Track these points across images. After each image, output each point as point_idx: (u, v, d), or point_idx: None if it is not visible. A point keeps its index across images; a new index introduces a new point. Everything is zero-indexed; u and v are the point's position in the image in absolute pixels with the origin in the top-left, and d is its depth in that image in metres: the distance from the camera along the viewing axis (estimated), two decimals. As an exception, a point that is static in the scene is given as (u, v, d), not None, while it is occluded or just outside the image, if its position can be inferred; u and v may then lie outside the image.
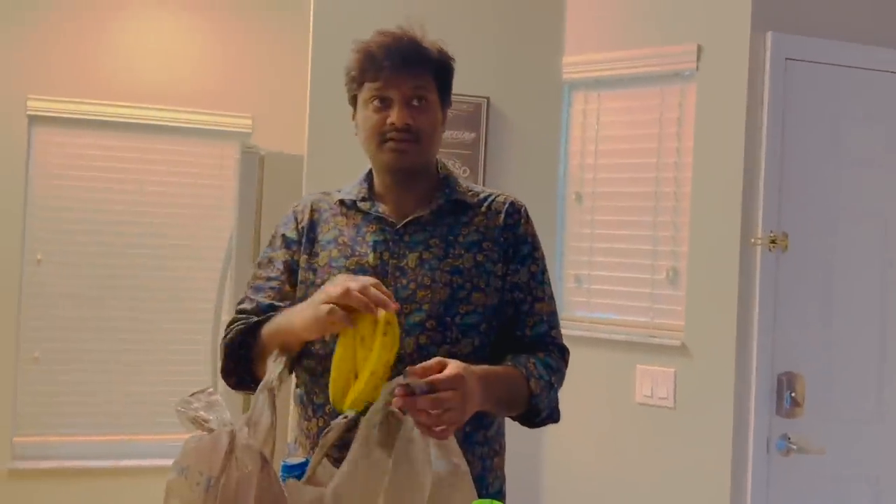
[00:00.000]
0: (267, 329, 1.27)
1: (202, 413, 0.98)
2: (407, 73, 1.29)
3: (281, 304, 1.33)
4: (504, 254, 1.35)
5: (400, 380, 1.02)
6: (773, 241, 2.17)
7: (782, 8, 2.19)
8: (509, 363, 1.28)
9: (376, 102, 1.30)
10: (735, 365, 2.16)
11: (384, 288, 1.13)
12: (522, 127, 2.50)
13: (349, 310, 1.09)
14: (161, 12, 3.51)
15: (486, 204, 1.38)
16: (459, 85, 2.44)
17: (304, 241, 1.38)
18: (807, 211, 2.21)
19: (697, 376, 2.23)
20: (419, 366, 1.06)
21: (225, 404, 1.01)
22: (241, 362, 1.31)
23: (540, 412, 1.31)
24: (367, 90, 1.31)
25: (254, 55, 3.57)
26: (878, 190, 2.27)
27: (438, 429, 1.04)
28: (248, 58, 3.57)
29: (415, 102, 1.30)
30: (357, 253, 1.32)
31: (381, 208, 1.35)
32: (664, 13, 2.33)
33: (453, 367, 1.08)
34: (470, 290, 1.30)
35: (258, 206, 2.47)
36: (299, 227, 1.39)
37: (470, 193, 1.39)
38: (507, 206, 1.38)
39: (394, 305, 1.09)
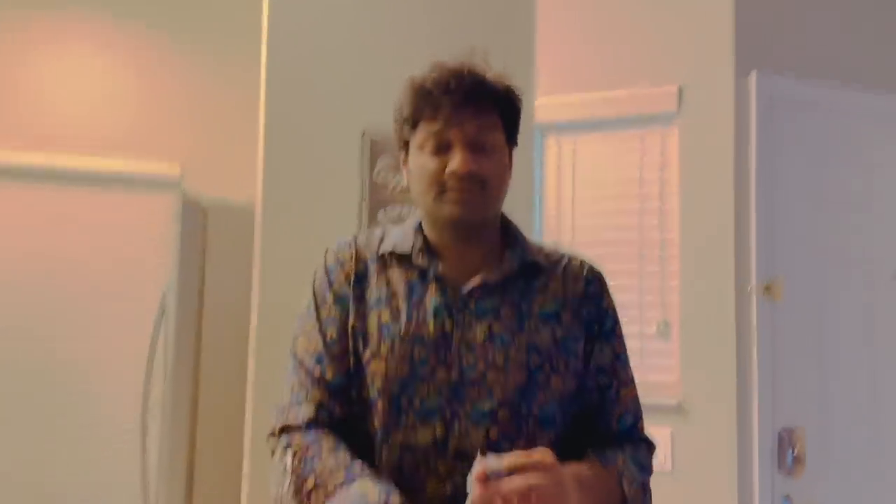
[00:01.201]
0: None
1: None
2: (470, 112, 1.08)
3: (348, 382, 1.11)
4: (586, 329, 1.15)
5: (480, 463, 0.85)
6: (767, 289, 2.09)
7: (766, 47, 2.16)
8: (595, 459, 1.08)
9: (433, 146, 1.09)
10: (736, 423, 2.05)
11: None
12: (495, 172, 2.35)
13: None
14: (76, 52, 3.21)
15: (561, 267, 1.18)
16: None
17: (353, 296, 1.14)
18: (797, 256, 2.16)
19: (696, 437, 2.11)
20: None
21: None
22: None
23: None
24: (421, 132, 1.10)
25: (181, 98, 3.30)
26: (866, 230, 2.25)
27: None
28: (174, 101, 3.30)
29: (479, 145, 1.09)
30: (413, 318, 1.10)
31: (441, 267, 1.13)
32: (641, 53, 2.26)
33: (541, 450, 0.92)
34: (549, 374, 1.10)
35: (201, 261, 2.20)
36: (349, 279, 1.15)
37: (543, 254, 1.19)
38: (586, 271, 1.19)
39: None
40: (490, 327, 1.09)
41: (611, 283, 2.33)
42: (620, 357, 1.18)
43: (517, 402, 1.06)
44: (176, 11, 3.32)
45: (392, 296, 1.12)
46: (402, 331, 1.09)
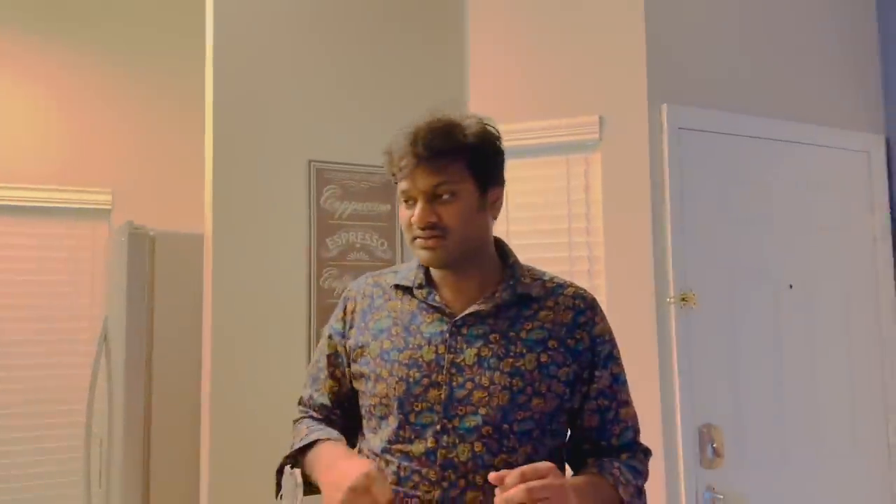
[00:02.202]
0: (309, 460, 1.24)
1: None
2: (428, 169, 1.21)
3: (331, 406, 1.34)
4: (578, 357, 1.26)
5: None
6: (683, 299, 2.28)
7: (675, 82, 2.36)
8: (594, 469, 1.21)
9: (405, 201, 1.26)
10: (661, 422, 2.22)
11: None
12: (433, 197, 2.48)
13: None
14: (4, 83, 3.15)
15: (553, 297, 1.29)
16: (373, 157, 2.40)
17: (351, 332, 1.33)
18: (708, 269, 2.35)
19: (626, 436, 2.26)
20: (500, 472, 1.02)
21: None
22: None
23: None
24: (399, 188, 1.27)
25: (111, 126, 3.29)
26: (766, 245, 2.47)
27: None
28: (104, 129, 3.29)
29: (438, 197, 1.22)
30: (411, 345, 1.24)
31: (438, 297, 1.27)
32: (566, 86, 2.43)
33: (546, 464, 1.04)
34: (530, 395, 1.21)
35: (150, 292, 2.23)
36: (347, 317, 1.35)
37: (536, 284, 1.30)
38: (577, 301, 1.29)
39: None
40: (479, 352, 1.21)
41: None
42: (618, 378, 1.31)
43: (499, 419, 1.18)
44: (129, 43, 3.31)
45: (394, 324, 1.27)
46: (401, 356, 1.22)
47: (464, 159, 1.24)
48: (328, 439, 1.24)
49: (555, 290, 1.31)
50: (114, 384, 2.45)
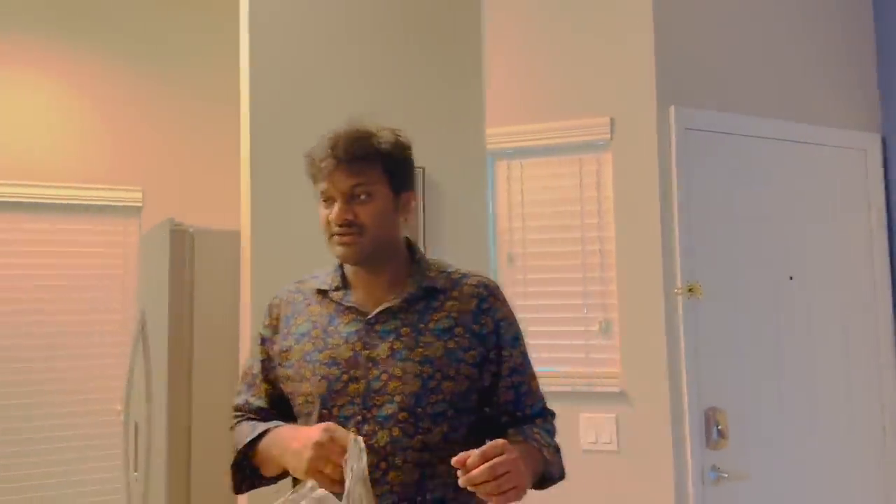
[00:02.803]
0: (265, 446, 1.33)
1: (315, 511, 0.96)
2: (347, 171, 1.32)
3: (267, 406, 1.42)
4: (484, 340, 1.36)
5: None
6: (690, 290, 2.42)
7: (682, 84, 2.50)
8: (519, 438, 1.34)
9: (323, 201, 1.36)
10: (669, 405, 2.37)
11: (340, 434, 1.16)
12: (453, 194, 2.61)
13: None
14: (34, 80, 3.28)
15: (457, 288, 1.39)
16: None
17: (277, 337, 1.42)
18: (713, 262, 2.50)
19: (637, 420, 2.41)
20: (460, 455, 1.12)
21: (327, 496, 0.99)
22: (247, 470, 1.37)
23: (554, 477, 1.40)
24: (317, 189, 1.37)
25: (141, 126, 3.43)
26: (768, 239, 2.61)
27: (506, 495, 1.11)
28: (134, 129, 3.43)
29: (355, 197, 1.33)
30: (330, 345, 1.34)
31: (353, 297, 1.38)
32: (579, 88, 2.57)
33: (498, 441, 1.14)
34: (440, 380, 1.31)
35: (190, 289, 2.37)
36: (273, 323, 1.44)
37: (441, 276, 1.40)
38: (479, 289, 1.40)
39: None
40: (392, 345, 1.32)
41: (557, 288, 2.64)
42: (526, 355, 1.46)
43: (413, 404, 1.29)
44: (145, 46, 3.44)
45: (314, 327, 1.37)
46: (321, 356, 1.34)
47: (380, 164, 1.35)
48: (277, 426, 1.34)
49: (459, 280, 1.41)
50: (151, 374, 2.57)
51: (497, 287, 1.44)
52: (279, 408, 1.42)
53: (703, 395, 2.42)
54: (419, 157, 2.53)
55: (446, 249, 2.58)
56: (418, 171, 2.52)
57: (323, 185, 1.34)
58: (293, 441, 1.21)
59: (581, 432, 2.45)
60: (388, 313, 1.35)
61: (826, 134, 2.76)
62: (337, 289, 1.39)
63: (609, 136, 2.51)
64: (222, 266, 2.35)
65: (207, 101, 3.32)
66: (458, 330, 1.35)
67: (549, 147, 2.59)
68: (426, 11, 2.65)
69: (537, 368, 2.55)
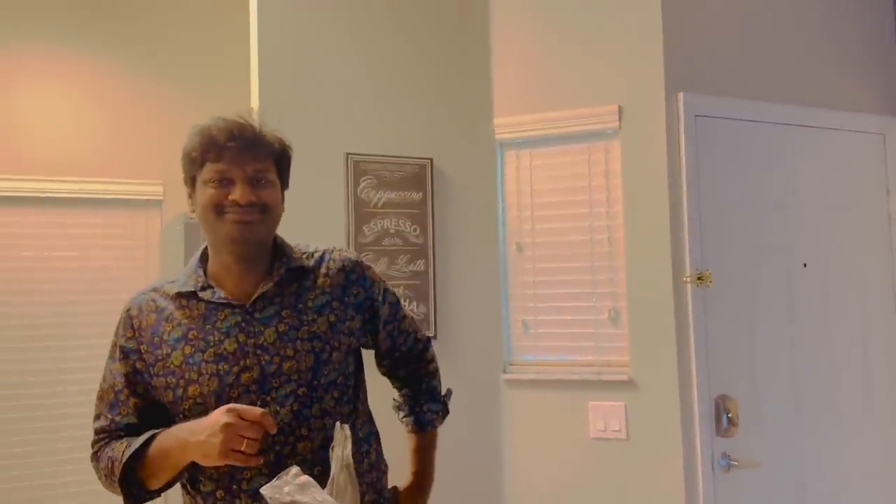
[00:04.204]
0: (156, 452, 1.29)
1: (298, 496, 1.00)
2: (252, 156, 1.35)
3: (137, 421, 1.36)
4: (360, 308, 1.47)
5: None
6: (699, 278, 2.41)
7: (691, 71, 2.48)
8: (416, 430, 1.65)
9: (216, 182, 1.34)
10: (679, 393, 2.36)
11: (253, 412, 1.19)
12: (462, 184, 2.64)
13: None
14: (58, 81, 3.38)
15: (324, 264, 1.46)
16: (406, 148, 2.58)
17: (144, 347, 1.37)
18: (724, 249, 2.48)
19: (646, 407, 2.41)
20: None
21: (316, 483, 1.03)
22: (132, 483, 1.33)
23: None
24: (207, 171, 1.35)
25: (161, 123, 3.50)
26: (781, 226, 2.58)
27: None
28: (153, 124, 3.50)
29: (258, 180, 1.35)
30: (212, 343, 1.34)
31: (223, 293, 1.37)
32: (587, 77, 2.56)
33: None
34: (330, 352, 1.39)
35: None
36: (135, 334, 1.38)
37: (305, 256, 1.46)
38: (345, 263, 1.49)
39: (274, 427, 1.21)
40: (277, 328, 1.36)
41: (566, 277, 2.65)
42: (394, 305, 1.59)
43: (311, 379, 1.35)
44: (162, 47, 3.52)
45: (189, 330, 1.35)
46: (205, 356, 1.33)
47: (273, 158, 1.40)
48: (159, 432, 1.31)
49: (323, 257, 1.48)
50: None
51: (360, 258, 1.55)
52: (148, 422, 1.36)
53: (714, 383, 2.41)
54: (426, 149, 2.59)
55: (456, 239, 2.61)
56: (425, 163, 2.57)
57: (220, 167, 1.33)
58: (195, 434, 1.22)
59: (590, 420, 2.47)
60: (265, 300, 1.37)
61: (842, 118, 2.72)
62: (203, 288, 1.37)
63: (617, 124, 2.50)
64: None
65: (225, 101, 3.37)
66: (334, 304, 1.43)
67: (557, 136, 2.59)
68: (434, 2, 2.66)
69: (545, 356, 2.58)
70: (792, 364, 2.56)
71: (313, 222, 2.38)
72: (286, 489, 1.01)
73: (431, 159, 2.55)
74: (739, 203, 2.52)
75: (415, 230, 2.49)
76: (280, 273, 1.39)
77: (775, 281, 2.56)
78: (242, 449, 1.16)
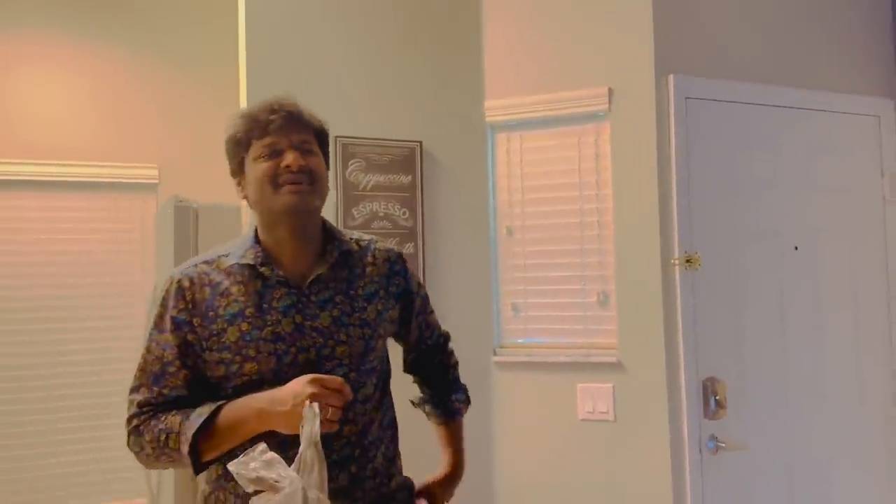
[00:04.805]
0: (227, 422, 1.28)
1: (264, 472, 1.01)
2: (297, 126, 1.39)
3: (187, 393, 1.34)
4: (400, 298, 1.55)
5: None
6: (688, 261, 2.41)
7: (681, 53, 2.46)
8: (444, 420, 1.71)
9: (267, 154, 1.36)
10: (666, 375, 2.37)
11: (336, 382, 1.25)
12: (452, 168, 2.64)
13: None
14: (56, 65, 3.39)
15: (369, 253, 1.52)
16: (395, 131, 2.58)
17: (198, 320, 1.35)
18: (713, 231, 2.47)
19: (634, 389, 2.42)
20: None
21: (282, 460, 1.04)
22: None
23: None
24: (255, 147, 1.37)
25: (156, 107, 3.52)
26: (772, 209, 2.58)
27: None
28: (149, 107, 3.51)
29: (306, 149, 1.38)
30: (269, 322, 1.34)
31: (281, 271, 1.38)
32: (576, 59, 2.54)
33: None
34: (376, 339, 1.46)
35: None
36: (189, 306, 1.35)
37: (352, 241, 1.50)
38: (389, 254, 1.55)
39: (351, 395, 1.28)
40: (331, 313, 1.39)
41: (556, 260, 2.66)
42: (425, 300, 1.68)
43: (359, 364, 1.41)
44: (156, 31, 3.52)
45: (246, 307, 1.34)
46: (262, 333, 1.33)
47: (314, 133, 1.44)
48: (225, 403, 1.30)
49: (368, 246, 1.53)
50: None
51: (400, 252, 1.60)
52: (199, 396, 1.34)
53: (702, 366, 2.42)
54: (415, 131, 2.59)
55: (445, 223, 2.61)
56: (415, 146, 2.57)
57: (267, 140, 1.36)
58: (277, 404, 1.23)
59: (578, 402, 2.48)
60: (320, 283, 1.40)
61: (836, 100, 2.70)
62: (263, 263, 1.37)
63: (607, 106, 2.49)
64: (225, 238, 2.41)
65: (218, 83, 3.38)
66: (381, 293, 1.49)
67: (547, 119, 2.58)
68: (423, -16, 2.64)
69: (534, 339, 2.59)
70: (781, 347, 2.56)
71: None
72: (252, 465, 1.03)
73: (421, 142, 2.55)
74: (730, 186, 2.51)
75: (404, 213, 2.50)
76: (334, 255, 1.42)
77: (766, 264, 2.55)
78: (328, 417, 1.19)
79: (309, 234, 1.41)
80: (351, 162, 2.44)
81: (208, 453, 1.30)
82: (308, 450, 1.08)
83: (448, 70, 2.65)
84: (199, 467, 1.31)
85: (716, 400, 2.41)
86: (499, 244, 2.66)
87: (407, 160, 2.51)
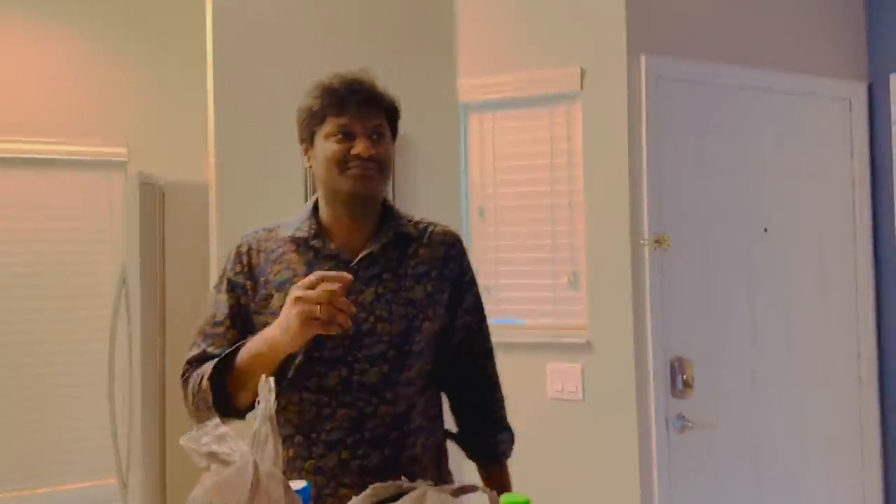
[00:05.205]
0: (246, 359, 1.31)
1: (215, 447, 1.00)
2: (372, 110, 1.39)
3: None
4: (452, 284, 1.48)
5: None
6: (657, 242, 2.42)
7: (653, 32, 2.45)
8: (490, 468, 1.59)
9: (339, 136, 1.37)
10: (634, 355, 2.39)
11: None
12: (425, 148, 2.61)
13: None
14: (22, 42, 3.32)
15: (426, 235, 1.49)
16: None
17: (251, 284, 1.41)
18: (683, 213, 2.48)
19: (602, 369, 2.43)
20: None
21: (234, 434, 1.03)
22: (220, 401, 1.32)
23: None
24: (329, 125, 1.38)
25: (124, 81, 3.46)
26: (742, 190, 2.59)
27: None
28: (118, 84, 3.46)
29: (377, 136, 1.39)
30: None
31: (333, 245, 1.41)
32: (549, 39, 2.53)
33: None
34: (422, 321, 1.42)
35: (161, 240, 2.41)
36: (245, 269, 1.42)
37: (411, 224, 1.49)
38: (446, 237, 1.52)
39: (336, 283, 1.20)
40: (376, 290, 1.39)
41: (527, 241, 2.66)
42: (478, 298, 1.56)
43: (400, 343, 1.39)
44: (125, 8, 3.46)
45: (295, 276, 1.37)
46: None
47: (385, 113, 1.43)
48: (242, 343, 1.33)
49: (426, 229, 1.51)
50: (132, 324, 2.64)
51: (459, 236, 1.55)
52: None
53: (671, 346, 2.44)
54: (387, 110, 2.55)
55: (417, 203, 2.59)
56: (385, 124, 2.53)
57: (342, 120, 1.36)
58: (277, 326, 1.25)
59: (548, 382, 2.49)
60: (369, 259, 1.41)
61: (807, 82, 2.71)
62: (315, 237, 1.41)
63: (579, 86, 2.48)
64: (193, 217, 2.39)
65: (186, 58, 3.33)
66: (433, 274, 1.46)
67: (519, 99, 2.57)
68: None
69: (506, 319, 2.59)
70: (750, 327, 2.58)
71: (273, 183, 2.36)
72: (204, 440, 1.01)
73: (392, 121, 2.52)
74: (701, 167, 2.52)
75: (374, 192, 2.48)
76: (388, 236, 1.42)
77: (735, 245, 2.57)
78: (319, 315, 1.18)
79: (367, 213, 1.43)
80: (320, 140, 2.40)
81: (238, 396, 1.33)
82: (263, 424, 1.06)
83: (420, 48, 2.61)
84: (225, 412, 1.32)
85: (683, 379, 2.43)
86: (471, 225, 2.65)
87: (378, 139, 2.48)
